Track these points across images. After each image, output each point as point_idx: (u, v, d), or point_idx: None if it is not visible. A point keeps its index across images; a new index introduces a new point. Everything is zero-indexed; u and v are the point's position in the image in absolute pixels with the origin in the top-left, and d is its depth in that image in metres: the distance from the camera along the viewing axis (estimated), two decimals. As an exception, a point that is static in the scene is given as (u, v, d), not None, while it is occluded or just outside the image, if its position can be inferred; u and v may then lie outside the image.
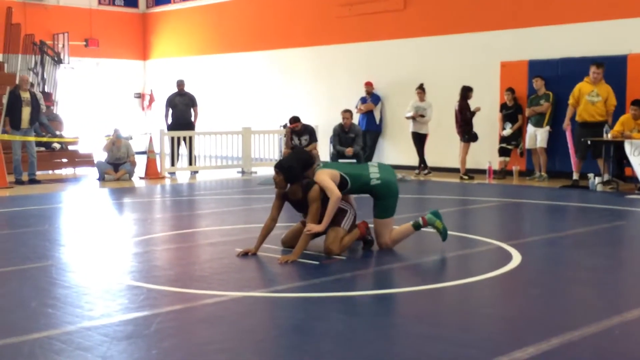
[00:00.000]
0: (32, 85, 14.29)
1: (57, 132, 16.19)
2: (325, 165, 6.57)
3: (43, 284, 5.43)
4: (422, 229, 6.67)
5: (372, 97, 15.74)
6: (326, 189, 6.22)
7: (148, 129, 20.35)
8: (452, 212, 9.54)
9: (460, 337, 4.18)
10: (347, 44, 16.71)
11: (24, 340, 4.07)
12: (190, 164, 15.32)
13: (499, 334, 4.30)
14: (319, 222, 6.25)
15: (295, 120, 13.60)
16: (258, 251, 6.38)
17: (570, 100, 12.10)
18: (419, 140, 14.46)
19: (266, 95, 18.59)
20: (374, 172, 6.56)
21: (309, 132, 13.34)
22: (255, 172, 15.46)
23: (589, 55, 12.71)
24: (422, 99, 14.43)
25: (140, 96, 22.29)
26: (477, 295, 5.27)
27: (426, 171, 14.26)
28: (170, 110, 15.35)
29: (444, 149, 14.71)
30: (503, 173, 13.52)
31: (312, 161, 6.56)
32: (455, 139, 13.86)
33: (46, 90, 18.04)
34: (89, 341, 4.06)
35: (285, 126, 15.30)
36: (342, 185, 6.36)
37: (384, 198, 6.58)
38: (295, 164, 6.34)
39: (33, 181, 13.05)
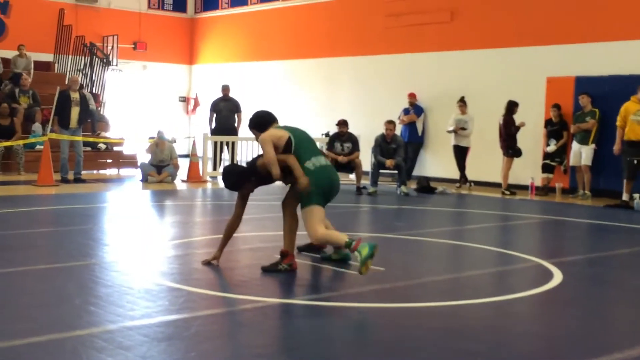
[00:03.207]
0: (81, 86, 14.57)
1: (102, 133, 16.49)
2: (283, 126, 6.39)
3: (86, 282, 5.54)
4: (348, 250, 5.96)
5: (415, 109, 15.71)
6: (262, 149, 6.09)
7: (191, 132, 20.59)
8: (493, 227, 9.47)
9: (497, 353, 4.16)
10: (392, 54, 16.70)
11: (68, 336, 4.16)
12: (232, 169, 15.39)
13: (537, 352, 4.26)
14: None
15: (343, 123, 13.65)
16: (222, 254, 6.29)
17: (618, 122, 11.90)
18: (460, 153, 14.39)
19: (309, 104, 18.67)
20: (315, 161, 6.12)
21: (353, 141, 13.40)
22: (296, 179, 15.49)
23: (637, 73, 12.53)
24: (463, 112, 14.37)
25: (185, 100, 22.56)
26: (515, 313, 5.23)
27: (468, 184, 14.17)
28: (215, 115, 15.49)
29: (486, 163, 14.60)
30: (546, 190, 13.37)
31: (268, 120, 6.49)
32: (498, 153, 13.75)
33: (94, 91, 18.37)
34: (130, 340, 4.13)
35: (327, 134, 15.37)
36: (287, 147, 6.11)
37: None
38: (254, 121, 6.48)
39: (78, 180, 13.28)
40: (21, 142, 14.42)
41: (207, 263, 6.18)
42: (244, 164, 6.50)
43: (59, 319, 4.55)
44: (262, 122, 6.44)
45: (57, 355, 3.89)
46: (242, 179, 6.21)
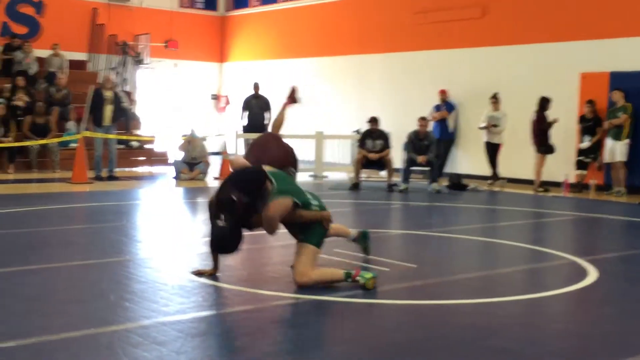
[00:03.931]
0: (114, 85, 14.73)
1: (134, 131, 16.67)
2: (280, 190, 5.38)
3: (121, 278, 5.61)
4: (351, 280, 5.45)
5: (446, 105, 15.63)
6: (268, 224, 5.41)
7: (223, 130, 20.71)
8: (526, 224, 9.40)
9: (529, 351, 4.13)
10: (422, 51, 16.64)
11: (103, 331, 4.22)
12: (263, 166, 15.49)
13: (570, 350, 4.22)
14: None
15: (374, 120, 13.63)
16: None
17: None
18: (492, 150, 14.29)
19: (340, 101, 18.67)
20: (315, 202, 5.60)
21: (384, 138, 13.38)
22: (327, 177, 15.53)
23: (673, 68, 12.35)
24: (496, 109, 14.26)
25: (216, 98, 22.70)
26: (549, 311, 5.19)
27: (501, 181, 14.07)
28: (246, 112, 15.57)
29: (518, 159, 14.48)
30: (580, 187, 13.23)
31: (261, 179, 5.48)
32: (530, 150, 13.63)
33: (127, 89, 18.55)
34: (164, 336, 4.17)
35: (358, 131, 15.37)
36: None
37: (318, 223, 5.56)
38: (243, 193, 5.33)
39: (112, 177, 13.44)
40: (56, 140, 14.63)
41: (198, 274, 5.71)
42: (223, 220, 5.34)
43: (95, 314, 4.61)
44: (258, 185, 5.43)
45: (93, 350, 3.95)
46: (238, 239, 5.38)
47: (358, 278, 5.39)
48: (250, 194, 5.36)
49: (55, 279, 5.66)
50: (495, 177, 14.22)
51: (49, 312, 4.66)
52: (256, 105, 15.55)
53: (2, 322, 4.39)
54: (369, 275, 5.40)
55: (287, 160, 6.28)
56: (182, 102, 21.61)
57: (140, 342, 4.05)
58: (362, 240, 6.58)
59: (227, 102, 22.07)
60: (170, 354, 3.88)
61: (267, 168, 5.61)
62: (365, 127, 13.85)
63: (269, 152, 6.25)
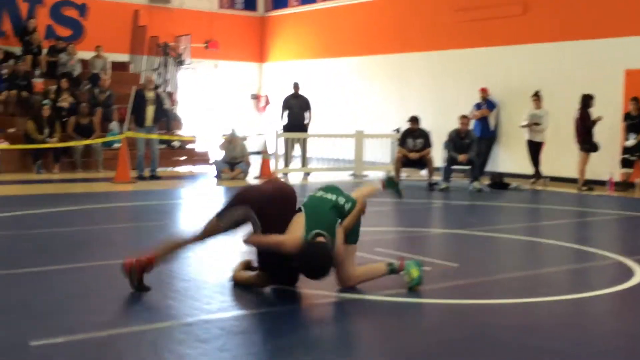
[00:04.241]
0: (156, 86, 14.90)
1: (176, 131, 16.85)
2: (310, 227, 4.95)
3: (164, 277, 5.66)
4: (396, 274, 5.37)
5: (487, 103, 15.49)
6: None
7: (263, 130, 20.81)
8: (569, 223, 9.27)
9: (575, 351, 4.08)
10: (463, 49, 16.51)
11: (148, 329, 4.28)
12: (303, 165, 15.56)
13: (616, 350, 4.16)
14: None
15: (414, 119, 13.58)
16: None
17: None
18: (535, 148, 14.10)
19: (380, 99, 18.62)
20: (341, 198, 5.27)
21: (424, 137, 13.32)
22: (367, 176, 15.51)
23: None
24: (538, 107, 14.07)
25: (256, 97, 22.81)
26: (594, 310, 5.11)
27: (542, 180, 13.89)
28: (286, 112, 15.63)
29: (562, 158, 14.28)
30: (625, 185, 13.00)
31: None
32: (573, 148, 13.42)
33: (168, 90, 18.75)
34: (207, 333, 4.21)
35: (398, 130, 15.31)
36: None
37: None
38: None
39: (154, 177, 13.59)
40: (100, 140, 14.86)
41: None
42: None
43: (139, 311, 4.68)
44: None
45: (137, 347, 4.01)
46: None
47: (404, 273, 5.29)
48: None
49: (99, 276, 5.74)
50: (537, 175, 14.04)
51: (95, 309, 4.74)
52: (296, 105, 15.58)
53: (50, 318, 4.48)
54: (416, 272, 5.24)
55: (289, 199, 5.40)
56: (222, 102, 21.77)
57: (183, 340, 4.10)
58: (390, 185, 5.95)
59: (267, 102, 22.17)
60: (214, 351, 3.92)
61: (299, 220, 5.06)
62: (405, 126, 13.79)
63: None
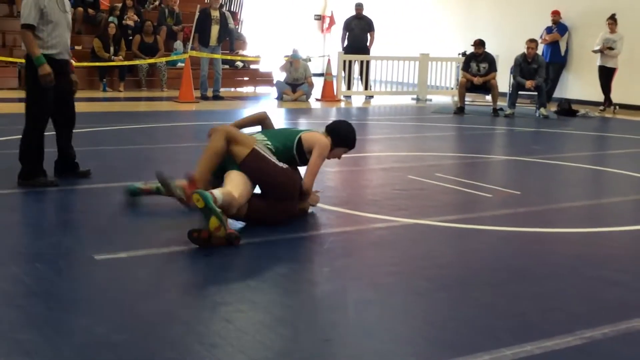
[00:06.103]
0: (221, 5, 14.78)
1: (239, 51, 16.79)
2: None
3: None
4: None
5: (558, 27, 14.92)
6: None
7: (326, 51, 20.57)
8: (638, 153, 8.98)
9: (638, 284, 3.99)
10: (536, -32, 15.84)
11: (181, 251, 4.34)
12: (366, 88, 15.39)
13: (684, 285, 4.05)
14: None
15: (479, 43, 13.23)
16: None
17: None
18: (606, 74, 13.58)
19: (446, 22, 18.13)
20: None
21: (489, 61, 12.98)
22: (430, 100, 15.27)
23: None
24: (612, 31, 13.46)
25: (320, 18, 22.49)
26: (661, 243, 4.98)
27: (613, 107, 13.43)
28: (347, 34, 15.38)
29: (634, 85, 13.75)
30: (699, 115, 12.48)
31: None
32: (648, 75, 12.90)
33: (232, 9, 18.62)
34: (282, 251, 4.27)
35: (464, 54, 14.93)
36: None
37: None
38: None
39: (217, 97, 13.65)
40: (163, 59, 14.94)
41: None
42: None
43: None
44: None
45: (198, 260, 4.08)
46: None
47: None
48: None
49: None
50: (608, 102, 13.58)
51: (156, 228, 4.83)
52: (357, 26, 15.28)
53: (114, 234, 4.61)
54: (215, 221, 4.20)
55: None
56: (286, 22, 21.54)
57: (244, 257, 4.16)
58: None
59: (332, 23, 21.83)
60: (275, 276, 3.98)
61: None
62: (470, 49, 13.43)
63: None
